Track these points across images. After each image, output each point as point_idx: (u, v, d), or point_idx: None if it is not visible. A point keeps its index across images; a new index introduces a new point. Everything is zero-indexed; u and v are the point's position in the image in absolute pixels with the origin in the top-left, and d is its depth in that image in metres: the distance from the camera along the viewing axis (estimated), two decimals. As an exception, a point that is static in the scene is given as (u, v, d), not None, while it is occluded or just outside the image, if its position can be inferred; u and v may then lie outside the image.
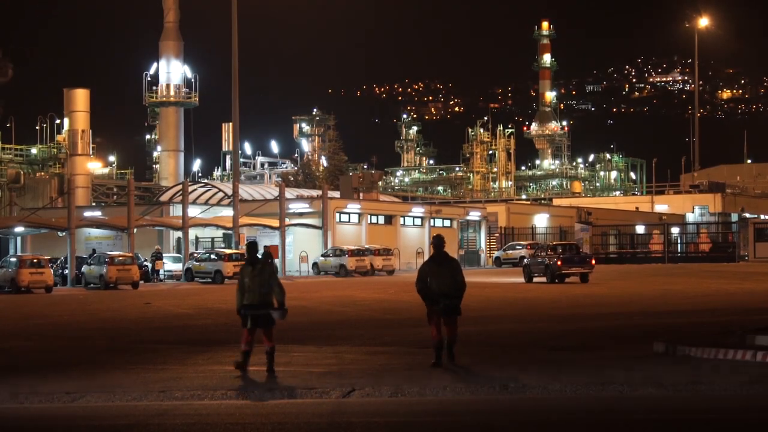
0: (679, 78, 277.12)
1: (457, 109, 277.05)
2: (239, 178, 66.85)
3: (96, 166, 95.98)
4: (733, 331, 18.59)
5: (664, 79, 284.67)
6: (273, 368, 15.23)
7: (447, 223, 72.03)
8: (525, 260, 49.38)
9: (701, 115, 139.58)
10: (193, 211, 62.06)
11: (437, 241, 16.63)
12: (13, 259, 48.04)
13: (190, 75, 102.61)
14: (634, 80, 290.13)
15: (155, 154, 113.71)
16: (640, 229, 78.31)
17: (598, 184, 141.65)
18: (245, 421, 10.86)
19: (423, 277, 16.45)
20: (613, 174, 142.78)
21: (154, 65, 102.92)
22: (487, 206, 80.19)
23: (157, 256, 56.17)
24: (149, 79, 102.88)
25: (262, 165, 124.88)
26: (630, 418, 11.15)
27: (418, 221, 70.47)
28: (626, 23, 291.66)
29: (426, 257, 70.98)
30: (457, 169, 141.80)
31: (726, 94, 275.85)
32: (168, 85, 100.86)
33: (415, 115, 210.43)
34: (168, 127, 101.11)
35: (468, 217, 74.02)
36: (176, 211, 63.85)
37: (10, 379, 15.39)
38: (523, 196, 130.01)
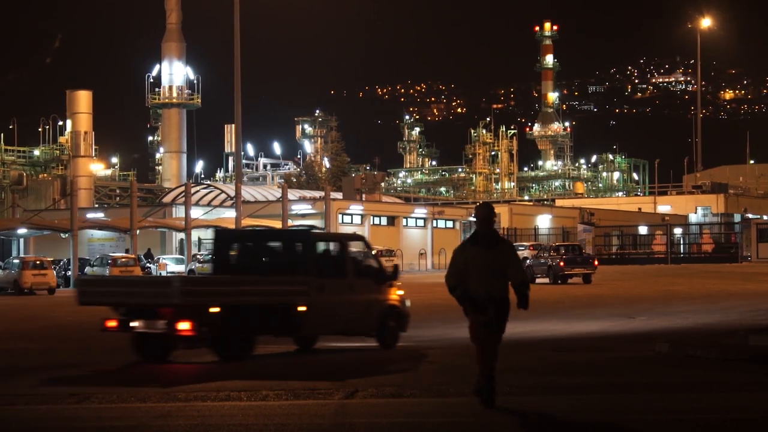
0: (682, 78, 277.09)
1: (459, 110, 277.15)
2: (242, 180, 66.90)
3: (98, 168, 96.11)
4: (736, 331, 18.60)
5: (667, 79, 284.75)
6: None
7: (449, 224, 72.05)
8: (527, 261, 49.40)
9: (704, 115, 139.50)
10: (196, 213, 62.13)
11: (485, 213, 11.19)
12: (16, 261, 48.12)
13: (192, 76, 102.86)
14: (636, 81, 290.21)
15: (158, 155, 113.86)
16: (642, 229, 78.31)
17: (600, 185, 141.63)
18: (248, 422, 10.88)
19: (458, 269, 11.16)
20: (616, 175, 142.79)
21: (157, 67, 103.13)
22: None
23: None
24: (152, 80, 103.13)
25: (265, 166, 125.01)
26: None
27: (420, 222, 70.49)
28: (628, 24, 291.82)
29: (429, 258, 71.70)
30: (460, 170, 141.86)
31: (728, 95, 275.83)
32: (170, 87, 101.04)
33: (417, 116, 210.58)
34: (170, 128, 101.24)
35: (471, 218, 74.02)
36: (179, 212, 63.95)
37: (13, 380, 15.42)
38: (526, 197, 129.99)
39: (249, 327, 16.97)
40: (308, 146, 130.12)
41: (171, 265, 57.51)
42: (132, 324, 16.70)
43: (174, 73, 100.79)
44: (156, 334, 16.58)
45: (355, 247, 19.47)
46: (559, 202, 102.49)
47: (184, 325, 16.12)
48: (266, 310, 17.19)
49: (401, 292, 19.06)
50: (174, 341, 16.73)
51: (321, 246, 18.99)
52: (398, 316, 18.89)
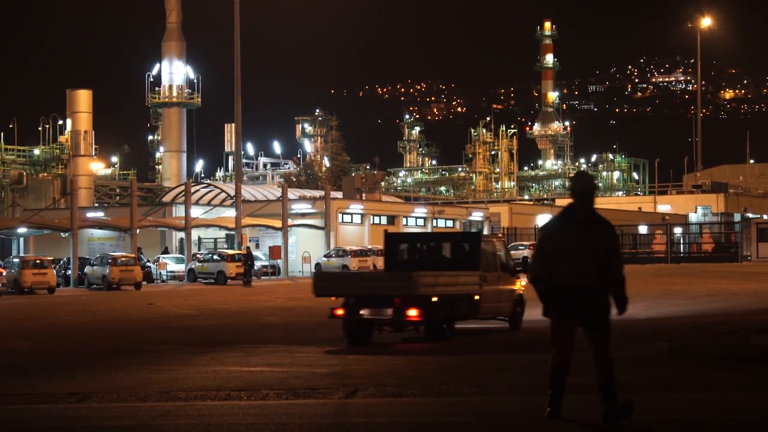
0: (682, 78, 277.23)
1: (459, 109, 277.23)
2: (242, 179, 66.86)
3: (98, 167, 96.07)
4: (736, 331, 18.56)
5: (667, 79, 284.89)
6: None
7: (449, 223, 72.06)
8: (528, 260, 49.32)
9: (704, 115, 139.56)
10: (196, 212, 62.11)
11: (583, 184, 9.17)
12: (16, 260, 48.07)
13: (192, 76, 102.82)
14: (636, 80, 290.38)
15: (158, 154, 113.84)
16: (642, 229, 78.29)
17: (600, 185, 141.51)
18: (248, 422, 10.87)
19: (546, 254, 9.25)
20: (616, 174, 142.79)
21: (157, 66, 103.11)
22: (490, 206, 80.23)
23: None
24: (152, 79, 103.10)
25: (265, 166, 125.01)
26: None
27: (420, 222, 70.50)
28: (629, 23, 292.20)
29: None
30: (460, 169, 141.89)
31: (728, 94, 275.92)
32: (170, 86, 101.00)
33: (417, 116, 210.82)
34: (170, 127, 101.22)
35: (471, 218, 74.03)
36: (179, 211, 63.92)
37: (13, 379, 15.42)
38: (526, 197, 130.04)
39: (449, 313, 20.21)
40: (308, 145, 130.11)
41: (171, 264, 57.50)
42: (361, 312, 19.52)
43: (174, 72, 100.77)
44: (370, 320, 19.62)
45: (498, 245, 23.11)
46: (559, 202, 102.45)
47: (412, 312, 19.22)
48: (457, 298, 20.54)
49: (524, 283, 21.53)
50: (380, 326, 19.99)
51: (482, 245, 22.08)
52: (522, 303, 22.90)
